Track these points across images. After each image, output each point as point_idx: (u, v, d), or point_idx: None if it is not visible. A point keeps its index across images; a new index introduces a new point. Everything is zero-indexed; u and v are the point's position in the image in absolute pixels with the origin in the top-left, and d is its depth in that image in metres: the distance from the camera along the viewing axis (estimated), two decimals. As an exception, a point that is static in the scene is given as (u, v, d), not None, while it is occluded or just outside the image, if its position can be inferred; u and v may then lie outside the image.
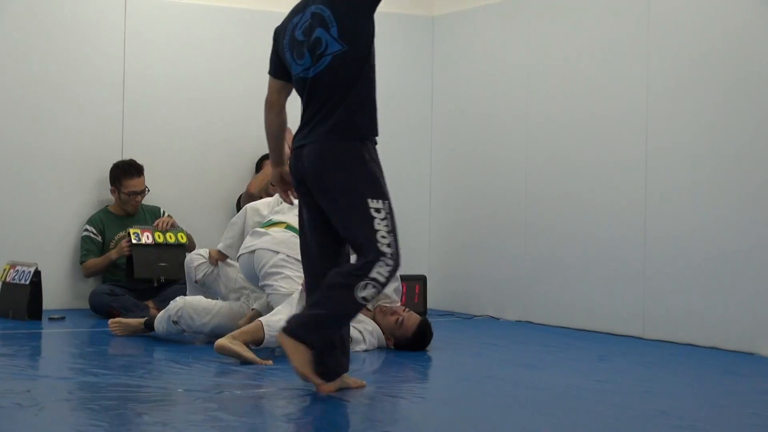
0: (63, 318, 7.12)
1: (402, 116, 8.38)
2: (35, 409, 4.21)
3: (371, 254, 4.45)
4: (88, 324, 6.88)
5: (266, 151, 7.76)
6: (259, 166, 7.97)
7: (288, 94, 4.75)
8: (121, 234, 7.56)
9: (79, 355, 5.81)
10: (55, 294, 7.52)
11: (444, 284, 8.18)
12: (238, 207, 7.92)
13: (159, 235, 7.43)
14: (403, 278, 7.72)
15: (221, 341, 5.45)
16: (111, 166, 7.67)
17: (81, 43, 7.75)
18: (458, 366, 5.69)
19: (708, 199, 6.34)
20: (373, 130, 4.53)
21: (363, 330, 6.02)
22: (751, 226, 6.12)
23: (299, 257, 5.06)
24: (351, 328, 5.97)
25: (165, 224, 7.51)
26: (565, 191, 7.25)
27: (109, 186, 7.70)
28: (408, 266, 8.20)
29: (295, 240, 5.80)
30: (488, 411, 4.49)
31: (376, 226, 4.48)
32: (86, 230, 7.59)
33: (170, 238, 7.46)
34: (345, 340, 4.71)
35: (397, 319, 6.02)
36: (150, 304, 7.19)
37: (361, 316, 6.07)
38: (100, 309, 7.28)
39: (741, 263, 6.16)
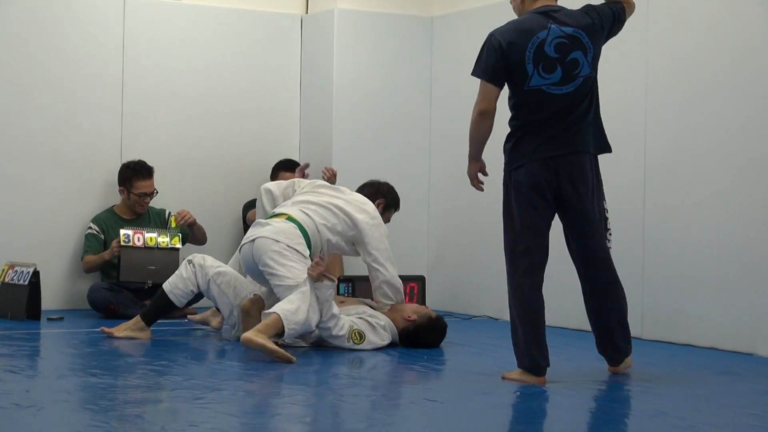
0: (62, 318, 7.12)
1: (401, 116, 8.38)
2: (34, 410, 4.21)
3: (609, 260, 5.20)
4: (87, 324, 6.87)
5: (270, 154, 7.74)
6: (275, 174, 7.89)
7: None
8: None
9: (78, 355, 5.81)
10: (53, 294, 7.51)
11: (443, 285, 8.18)
12: (245, 213, 7.91)
13: (151, 239, 7.37)
14: (402, 279, 7.73)
15: (247, 335, 5.49)
16: (113, 166, 7.66)
17: (80, 43, 7.74)
18: (458, 366, 5.69)
19: (707, 200, 6.34)
20: (607, 146, 5.19)
21: (376, 324, 6.04)
22: (750, 226, 6.12)
23: (298, 247, 5.77)
24: (362, 321, 6.00)
25: (186, 218, 7.46)
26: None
27: (108, 186, 7.70)
28: (407, 267, 8.21)
29: (295, 231, 5.93)
30: (488, 411, 4.49)
31: (607, 237, 5.20)
32: (90, 227, 7.57)
33: (163, 242, 7.40)
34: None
35: (420, 305, 6.37)
36: (149, 303, 7.16)
37: (371, 311, 6.11)
38: (99, 305, 7.27)
39: (739, 264, 6.16)
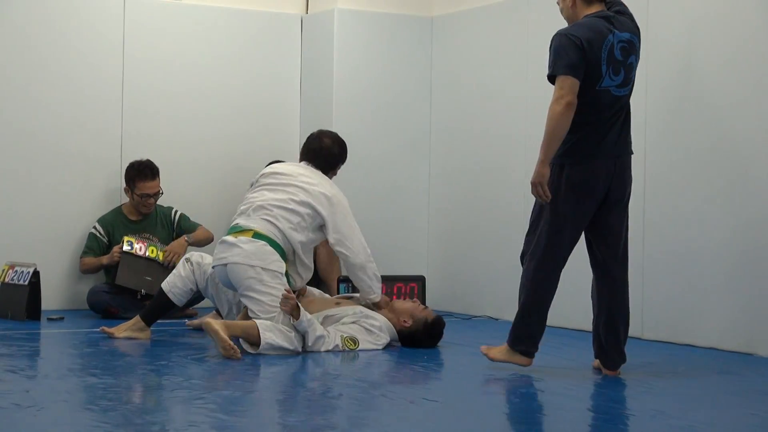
0: (62, 318, 7.12)
1: (400, 117, 8.38)
2: (34, 410, 4.21)
3: (628, 262, 5.42)
4: (87, 324, 6.87)
5: (270, 154, 7.73)
6: None
7: None
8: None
9: (78, 355, 5.81)
10: (53, 294, 7.51)
11: (443, 285, 8.18)
12: None
13: (153, 250, 7.36)
14: (402, 279, 7.74)
15: (210, 321, 5.63)
16: (113, 164, 7.68)
17: (80, 42, 7.74)
18: (457, 366, 5.69)
19: (706, 200, 6.34)
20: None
21: (370, 326, 6.03)
22: (750, 226, 6.12)
23: (273, 266, 5.84)
24: (355, 326, 5.99)
25: (172, 257, 7.31)
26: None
27: (109, 185, 7.71)
28: (407, 267, 8.22)
29: (266, 248, 5.91)
30: (488, 411, 4.49)
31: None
32: (94, 228, 7.55)
33: (162, 258, 7.36)
34: None
35: (419, 304, 6.29)
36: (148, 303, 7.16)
37: (367, 311, 6.10)
38: (98, 307, 7.27)
39: (739, 264, 6.16)
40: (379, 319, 6.10)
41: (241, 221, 6.06)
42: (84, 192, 7.74)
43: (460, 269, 8.16)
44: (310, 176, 6.17)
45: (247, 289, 5.84)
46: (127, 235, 7.40)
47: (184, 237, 7.48)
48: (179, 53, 8.04)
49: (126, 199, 7.63)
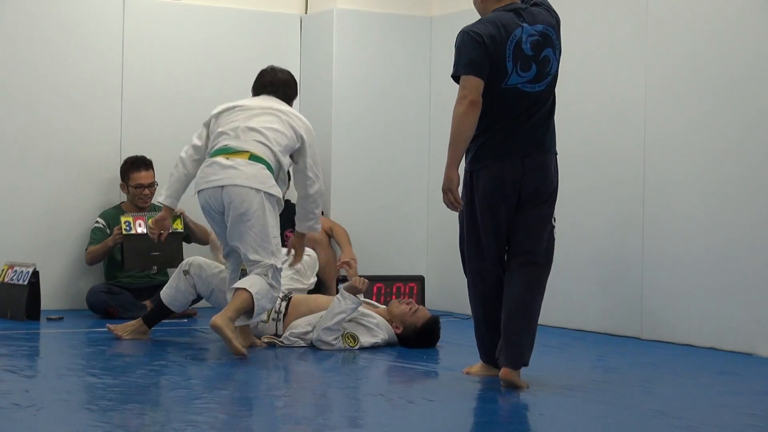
0: (61, 318, 7.12)
1: (400, 116, 8.38)
2: (33, 410, 4.21)
3: (548, 259, 5.02)
4: (87, 324, 6.87)
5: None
6: None
7: None
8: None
9: (77, 355, 5.81)
10: (53, 294, 7.51)
11: (442, 284, 8.18)
12: None
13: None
14: (402, 278, 7.74)
15: (219, 323, 5.46)
16: (112, 166, 7.64)
17: (79, 44, 7.73)
18: (457, 367, 5.68)
19: (706, 200, 6.34)
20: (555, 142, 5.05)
21: (368, 323, 6.04)
22: (750, 226, 6.12)
23: (272, 190, 5.66)
24: (354, 324, 6.01)
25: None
26: (563, 191, 7.20)
27: (108, 187, 7.70)
28: (406, 266, 8.22)
29: (264, 172, 5.71)
30: (486, 411, 4.49)
31: (552, 236, 5.04)
32: (97, 221, 7.55)
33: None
34: None
35: (411, 308, 6.19)
36: (148, 303, 7.15)
37: (363, 310, 6.10)
38: (98, 307, 7.27)
39: (739, 264, 6.16)
40: (376, 317, 6.11)
41: (232, 143, 5.75)
42: (83, 192, 7.73)
43: (460, 269, 8.12)
44: (280, 104, 6.01)
45: (247, 219, 5.61)
46: (124, 215, 7.30)
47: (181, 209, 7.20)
48: (179, 53, 8.04)
49: (125, 197, 7.64)
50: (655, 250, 6.61)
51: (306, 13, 8.51)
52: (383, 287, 7.69)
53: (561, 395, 4.78)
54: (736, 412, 4.52)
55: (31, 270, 6.99)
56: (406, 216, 8.29)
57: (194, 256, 6.44)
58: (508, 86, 4.86)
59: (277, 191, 5.74)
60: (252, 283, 5.58)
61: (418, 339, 6.12)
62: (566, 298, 7.19)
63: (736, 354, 6.07)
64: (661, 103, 6.61)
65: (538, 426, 4.28)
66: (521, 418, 4.45)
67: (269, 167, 5.75)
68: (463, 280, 8.38)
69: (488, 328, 5.03)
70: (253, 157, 5.71)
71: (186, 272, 6.17)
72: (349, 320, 6.04)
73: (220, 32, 8.22)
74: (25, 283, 6.94)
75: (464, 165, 5.05)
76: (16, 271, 7.06)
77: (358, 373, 5.41)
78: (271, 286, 5.62)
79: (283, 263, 5.85)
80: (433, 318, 6.22)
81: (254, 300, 5.54)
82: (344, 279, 7.15)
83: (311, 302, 6.20)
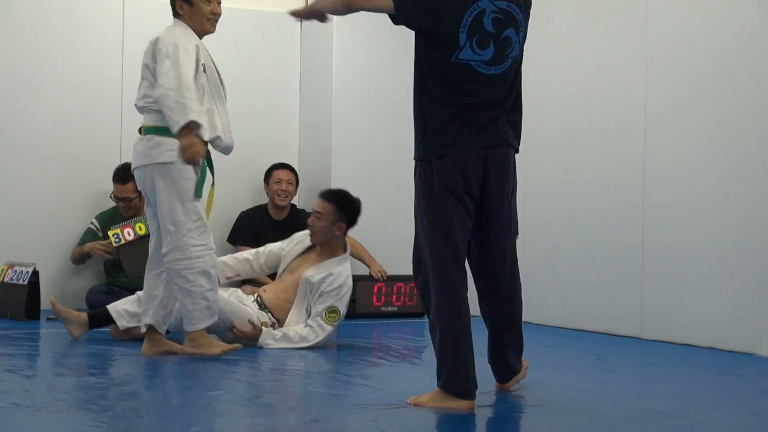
0: (61, 318, 7.12)
1: (400, 116, 8.35)
2: (33, 409, 4.20)
3: (517, 268, 4.67)
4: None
5: (269, 154, 7.76)
6: (268, 176, 7.92)
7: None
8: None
9: (77, 355, 5.80)
10: (53, 294, 7.49)
11: (442, 285, 8.17)
12: (239, 219, 7.89)
13: (140, 227, 7.32)
14: (402, 279, 7.74)
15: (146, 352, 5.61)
16: (112, 166, 7.60)
17: (79, 45, 7.74)
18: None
19: (706, 200, 6.34)
20: (519, 144, 4.59)
21: (337, 287, 6.15)
22: (749, 226, 6.12)
23: (162, 159, 5.63)
24: (325, 296, 6.12)
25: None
26: (563, 192, 7.25)
27: (108, 186, 7.67)
28: (407, 267, 8.19)
29: (151, 141, 5.87)
30: (487, 411, 4.48)
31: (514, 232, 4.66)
32: (91, 223, 7.56)
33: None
34: None
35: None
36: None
37: (330, 279, 6.20)
38: (98, 307, 7.23)
39: (739, 263, 6.16)
40: (342, 275, 6.20)
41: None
42: (83, 193, 7.74)
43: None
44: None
45: (156, 200, 5.65)
46: (111, 229, 7.33)
47: None
48: (179, 53, 8.03)
49: None
50: (655, 250, 6.61)
51: (306, 12, 8.50)
52: (383, 287, 7.69)
53: (560, 394, 4.78)
54: (736, 412, 4.52)
55: (31, 270, 6.99)
56: (407, 216, 8.23)
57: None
58: (459, 60, 4.39)
59: (168, 157, 5.66)
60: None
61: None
62: (566, 297, 7.19)
63: (736, 354, 6.07)
64: (662, 106, 6.61)
65: (538, 425, 4.27)
66: (520, 417, 4.44)
67: (158, 130, 5.81)
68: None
69: (456, 345, 4.50)
70: (145, 130, 5.91)
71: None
72: (321, 302, 6.07)
73: (220, 32, 8.19)
74: (25, 283, 6.95)
75: (414, 154, 4.62)
76: (16, 271, 7.06)
77: (358, 373, 5.40)
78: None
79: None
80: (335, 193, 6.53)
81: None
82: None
83: (279, 291, 6.25)
